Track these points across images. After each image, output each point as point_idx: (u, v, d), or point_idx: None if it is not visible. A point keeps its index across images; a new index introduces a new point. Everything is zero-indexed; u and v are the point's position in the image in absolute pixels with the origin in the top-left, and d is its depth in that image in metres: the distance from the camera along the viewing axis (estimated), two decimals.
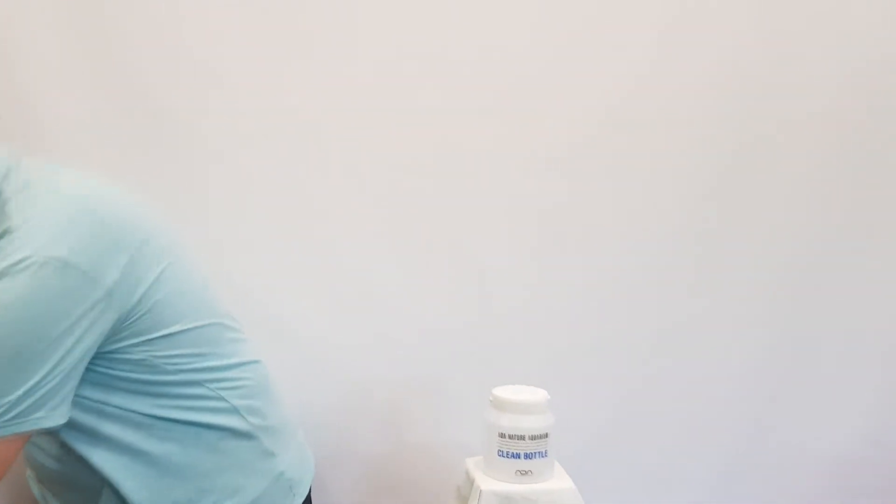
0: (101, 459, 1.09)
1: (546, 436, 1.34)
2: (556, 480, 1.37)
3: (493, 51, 1.71)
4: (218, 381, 1.16)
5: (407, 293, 1.62)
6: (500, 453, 1.35)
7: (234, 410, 1.18)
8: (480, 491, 1.34)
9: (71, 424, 1.03)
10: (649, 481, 1.82)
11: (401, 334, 1.69)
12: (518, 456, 1.34)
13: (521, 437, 1.33)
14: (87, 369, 1.03)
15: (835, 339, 1.86)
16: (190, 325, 1.12)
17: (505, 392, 1.37)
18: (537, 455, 1.34)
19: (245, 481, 1.19)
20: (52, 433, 1.05)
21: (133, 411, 1.09)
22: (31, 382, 0.94)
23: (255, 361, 1.25)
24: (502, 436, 1.34)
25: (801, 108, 1.80)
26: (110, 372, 1.05)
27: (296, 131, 1.66)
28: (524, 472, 1.34)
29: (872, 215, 1.85)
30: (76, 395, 1.02)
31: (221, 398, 1.16)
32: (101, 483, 1.11)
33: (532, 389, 1.39)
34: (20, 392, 0.94)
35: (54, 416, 0.99)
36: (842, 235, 1.85)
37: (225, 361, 1.17)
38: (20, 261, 0.92)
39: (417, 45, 1.69)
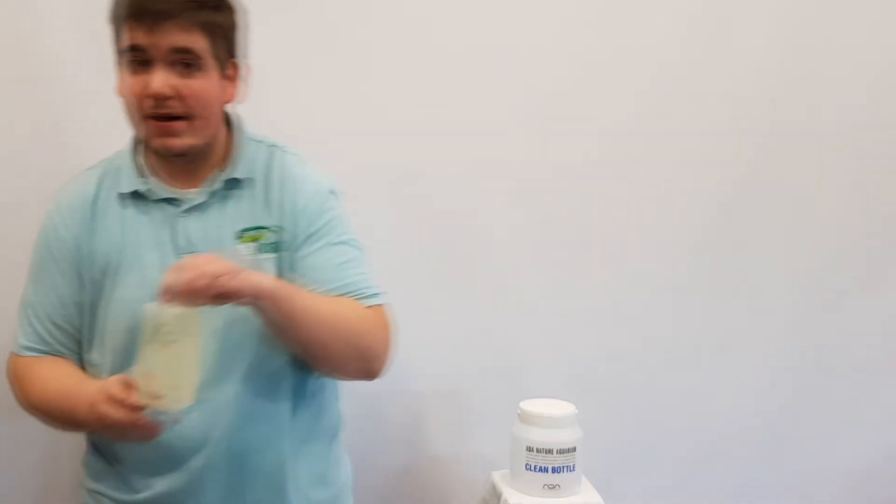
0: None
1: (574, 450, 1.35)
2: (584, 495, 1.38)
3: (510, 67, 1.71)
4: None
5: (432, 306, 1.62)
6: (528, 467, 1.35)
7: (338, 400, 1.32)
8: None
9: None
10: (672, 494, 1.81)
11: (426, 347, 1.68)
12: (546, 470, 1.34)
13: (549, 451, 1.34)
14: None
15: (855, 352, 1.86)
16: None
17: (533, 406, 1.38)
18: (565, 469, 1.35)
19: (343, 479, 1.32)
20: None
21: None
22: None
23: None
24: (530, 449, 1.35)
25: (823, 120, 1.80)
26: None
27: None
28: (552, 486, 1.34)
29: (891, 235, 1.85)
30: None
31: (335, 387, 1.30)
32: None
33: (560, 403, 1.40)
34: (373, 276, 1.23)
35: None
36: (862, 251, 1.85)
37: None
38: (329, 189, 1.25)
39: (441, 58, 1.69)
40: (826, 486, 1.88)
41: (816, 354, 1.85)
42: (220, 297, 1.04)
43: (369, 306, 1.20)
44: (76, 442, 1.34)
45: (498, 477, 1.43)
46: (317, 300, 1.15)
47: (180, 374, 1.04)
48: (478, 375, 1.72)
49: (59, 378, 1.18)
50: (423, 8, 1.68)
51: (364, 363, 1.21)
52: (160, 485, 1.18)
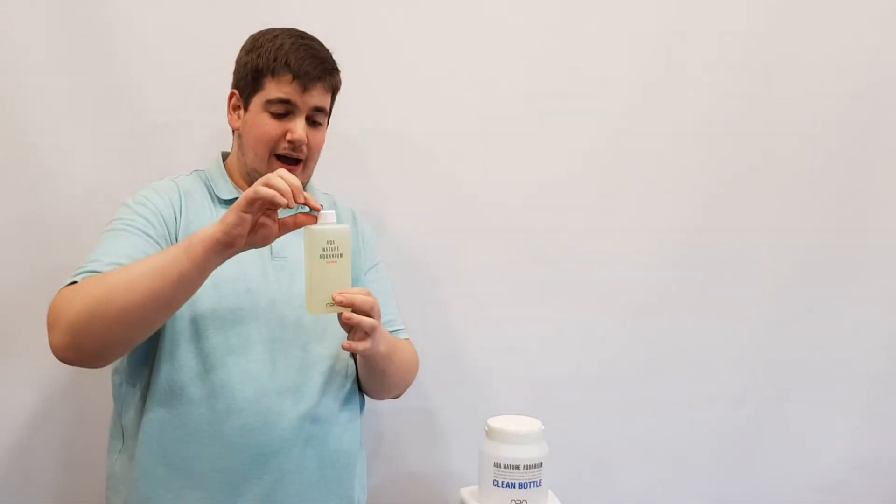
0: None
1: (540, 465, 1.35)
2: None
3: (489, 80, 1.75)
4: None
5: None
6: (496, 483, 1.36)
7: None
8: None
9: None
10: None
11: None
12: (513, 485, 1.35)
13: (516, 467, 1.34)
14: None
15: (819, 364, 1.90)
16: None
17: (500, 422, 1.38)
18: (532, 484, 1.35)
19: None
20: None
21: None
22: None
23: None
24: (497, 466, 1.35)
25: (781, 145, 1.85)
26: None
27: None
28: (519, 502, 1.35)
29: (854, 246, 1.89)
30: None
31: None
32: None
33: (526, 419, 1.40)
34: None
35: None
36: (824, 267, 1.89)
37: None
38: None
39: (409, 77, 1.72)
40: (797, 497, 1.90)
41: (783, 368, 1.88)
42: (366, 332, 1.23)
43: (405, 339, 1.49)
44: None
45: (467, 493, 1.44)
46: (395, 343, 1.39)
47: (343, 285, 1.21)
48: (445, 393, 1.74)
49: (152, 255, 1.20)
50: (398, 28, 1.72)
51: (403, 391, 1.50)
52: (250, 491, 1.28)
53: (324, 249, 1.19)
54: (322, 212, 1.21)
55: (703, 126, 1.83)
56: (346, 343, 1.25)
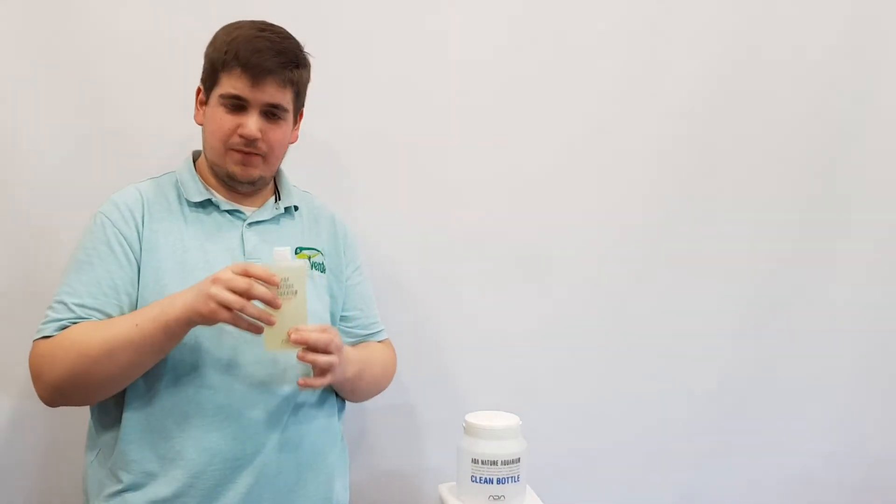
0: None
1: (518, 461, 1.36)
2: None
3: (467, 80, 1.75)
4: None
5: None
6: (474, 479, 1.36)
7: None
8: None
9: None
10: (617, 502, 1.84)
11: None
12: (491, 481, 1.35)
13: (494, 463, 1.34)
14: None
15: (794, 360, 1.92)
16: None
17: (478, 418, 1.38)
18: (510, 480, 1.35)
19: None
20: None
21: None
22: None
23: None
24: (475, 461, 1.35)
25: (756, 139, 1.87)
26: None
27: None
28: (497, 497, 1.35)
29: (833, 242, 1.92)
30: None
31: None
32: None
33: (504, 415, 1.40)
34: None
35: None
36: (802, 262, 1.91)
37: None
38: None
39: (398, 72, 1.72)
40: (770, 488, 1.93)
41: (758, 362, 1.90)
42: (325, 370, 1.24)
43: (384, 340, 1.52)
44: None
45: (445, 490, 1.44)
46: (367, 360, 1.42)
47: (298, 321, 1.20)
48: (424, 389, 1.74)
49: (121, 318, 1.24)
50: (375, 26, 1.71)
51: (377, 394, 1.52)
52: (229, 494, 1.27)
53: (279, 287, 1.18)
54: (276, 249, 1.22)
55: (683, 118, 1.84)
56: (302, 380, 1.25)
